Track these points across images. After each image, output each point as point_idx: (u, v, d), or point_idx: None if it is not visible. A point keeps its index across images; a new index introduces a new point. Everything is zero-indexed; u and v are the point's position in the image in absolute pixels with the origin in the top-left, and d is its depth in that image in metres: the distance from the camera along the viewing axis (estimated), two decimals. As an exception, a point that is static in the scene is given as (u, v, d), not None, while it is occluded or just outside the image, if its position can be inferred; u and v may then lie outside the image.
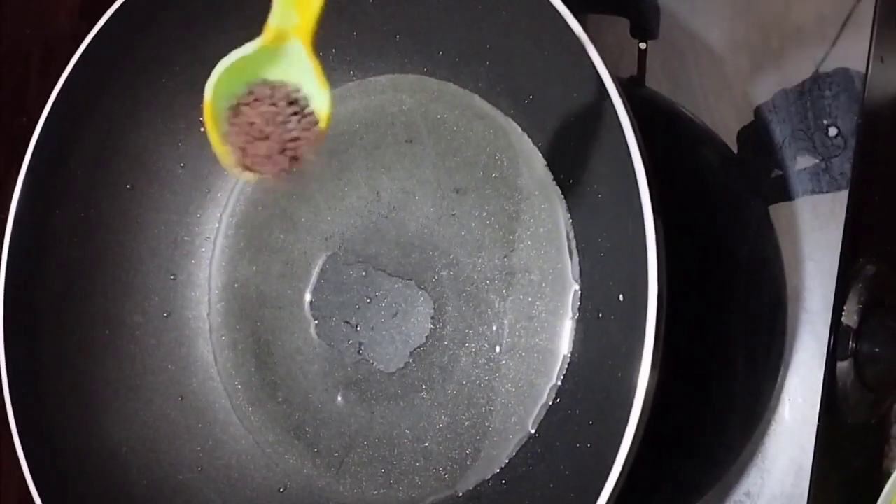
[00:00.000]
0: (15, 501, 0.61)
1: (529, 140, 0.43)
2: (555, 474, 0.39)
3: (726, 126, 0.46)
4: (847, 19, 0.42)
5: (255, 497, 0.47)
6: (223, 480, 0.48)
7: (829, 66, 0.42)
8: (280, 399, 0.48)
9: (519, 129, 0.44)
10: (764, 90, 0.44)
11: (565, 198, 0.42)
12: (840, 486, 0.43)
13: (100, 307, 0.49)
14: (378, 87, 0.47)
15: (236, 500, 0.47)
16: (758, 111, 0.44)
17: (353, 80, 0.48)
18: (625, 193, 0.34)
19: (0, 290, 0.47)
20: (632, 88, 0.50)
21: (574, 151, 0.40)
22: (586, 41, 0.34)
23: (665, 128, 0.47)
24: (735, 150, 0.46)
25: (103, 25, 0.47)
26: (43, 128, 0.48)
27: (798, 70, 0.43)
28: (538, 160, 0.43)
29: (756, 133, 0.44)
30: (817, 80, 0.42)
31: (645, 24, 0.50)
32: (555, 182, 0.43)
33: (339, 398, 0.46)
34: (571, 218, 0.42)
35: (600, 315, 0.39)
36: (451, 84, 0.45)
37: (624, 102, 0.33)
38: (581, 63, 0.35)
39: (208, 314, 0.50)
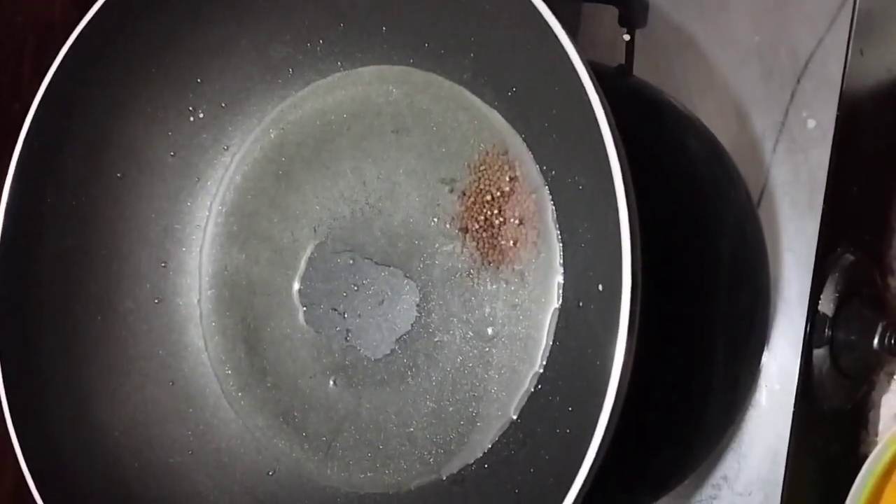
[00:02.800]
0: (11, 484, 0.62)
1: (514, 131, 0.44)
2: (535, 459, 0.40)
3: (710, 116, 0.46)
4: (835, 16, 0.43)
5: (245, 480, 0.48)
6: (213, 464, 0.48)
7: (809, 60, 0.43)
8: (269, 384, 0.49)
9: (503, 120, 0.44)
10: (746, 82, 0.45)
11: (548, 188, 0.43)
12: (816, 471, 0.44)
13: (91, 294, 0.49)
14: (365, 77, 0.48)
15: (226, 484, 0.48)
16: (740, 103, 0.45)
17: (340, 71, 0.48)
18: (603, 185, 0.34)
19: (-8, 278, 0.48)
20: (620, 78, 0.50)
21: (556, 143, 0.41)
22: (562, 34, 0.35)
23: (652, 117, 0.48)
24: (718, 141, 0.46)
25: (95, 14, 0.47)
26: (34, 115, 0.48)
27: (780, 63, 0.44)
28: (522, 151, 0.44)
29: (738, 124, 0.45)
30: (798, 73, 0.43)
31: (632, 14, 0.50)
32: (539, 172, 0.43)
33: (327, 384, 0.47)
34: (555, 208, 0.43)
35: (580, 304, 0.40)
36: (437, 76, 0.46)
37: (600, 96, 0.34)
38: (560, 56, 0.35)
39: (199, 301, 0.51)
